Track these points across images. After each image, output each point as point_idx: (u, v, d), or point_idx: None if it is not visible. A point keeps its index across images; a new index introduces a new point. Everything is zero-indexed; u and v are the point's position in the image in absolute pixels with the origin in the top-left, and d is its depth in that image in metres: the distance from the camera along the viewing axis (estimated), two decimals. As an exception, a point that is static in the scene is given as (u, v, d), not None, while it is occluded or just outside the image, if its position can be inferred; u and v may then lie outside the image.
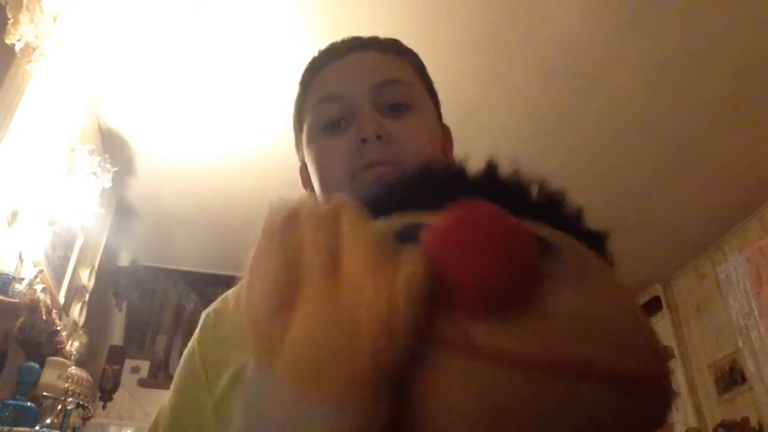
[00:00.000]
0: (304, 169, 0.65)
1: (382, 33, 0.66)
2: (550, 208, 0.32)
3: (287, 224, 0.28)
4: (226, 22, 2.34)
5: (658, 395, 0.25)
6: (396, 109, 0.59)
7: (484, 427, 0.23)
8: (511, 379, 0.23)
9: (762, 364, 3.30)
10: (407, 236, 0.28)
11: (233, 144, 3.03)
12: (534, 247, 0.26)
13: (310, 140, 0.61)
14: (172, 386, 0.56)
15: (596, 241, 0.32)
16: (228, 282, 0.58)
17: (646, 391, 0.24)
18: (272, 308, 0.26)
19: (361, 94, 0.58)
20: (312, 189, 0.63)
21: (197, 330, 0.57)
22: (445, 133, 0.67)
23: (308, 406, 0.23)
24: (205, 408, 0.51)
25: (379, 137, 0.55)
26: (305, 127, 0.63)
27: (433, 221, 0.28)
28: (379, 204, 0.33)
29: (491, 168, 0.34)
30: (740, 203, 3.42)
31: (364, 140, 0.55)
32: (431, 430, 0.24)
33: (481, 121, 2.74)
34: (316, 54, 0.65)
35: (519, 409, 0.23)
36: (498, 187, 0.32)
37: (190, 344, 0.57)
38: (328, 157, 0.59)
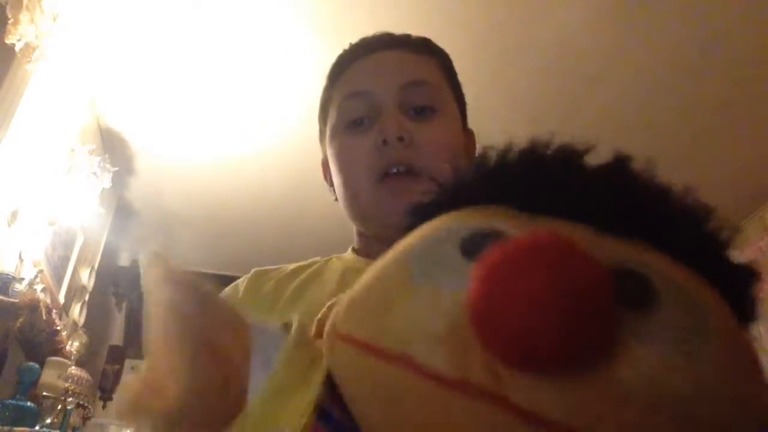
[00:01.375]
0: (326, 163, 0.65)
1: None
2: (678, 229, 0.25)
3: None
4: (226, 22, 2.34)
5: None
6: (421, 112, 0.58)
7: None
8: None
9: (762, 364, 3.29)
10: (473, 247, 0.23)
11: (233, 144, 3.02)
12: (609, 299, 0.19)
13: (333, 136, 0.60)
14: None
15: (739, 281, 0.24)
16: (228, 282, 0.58)
17: None
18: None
19: (386, 94, 0.58)
20: (331, 183, 0.63)
21: None
22: (469, 137, 0.67)
23: None
24: None
25: (400, 139, 0.55)
26: (329, 122, 0.62)
27: (510, 231, 0.23)
28: (456, 188, 0.28)
29: (618, 164, 0.27)
30: (740, 203, 3.41)
31: (384, 141, 0.55)
32: None
33: (481, 121, 2.73)
34: (345, 47, 0.64)
35: None
36: (612, 191, 0.26)
37: None
38: (350, 155, 0.58)
